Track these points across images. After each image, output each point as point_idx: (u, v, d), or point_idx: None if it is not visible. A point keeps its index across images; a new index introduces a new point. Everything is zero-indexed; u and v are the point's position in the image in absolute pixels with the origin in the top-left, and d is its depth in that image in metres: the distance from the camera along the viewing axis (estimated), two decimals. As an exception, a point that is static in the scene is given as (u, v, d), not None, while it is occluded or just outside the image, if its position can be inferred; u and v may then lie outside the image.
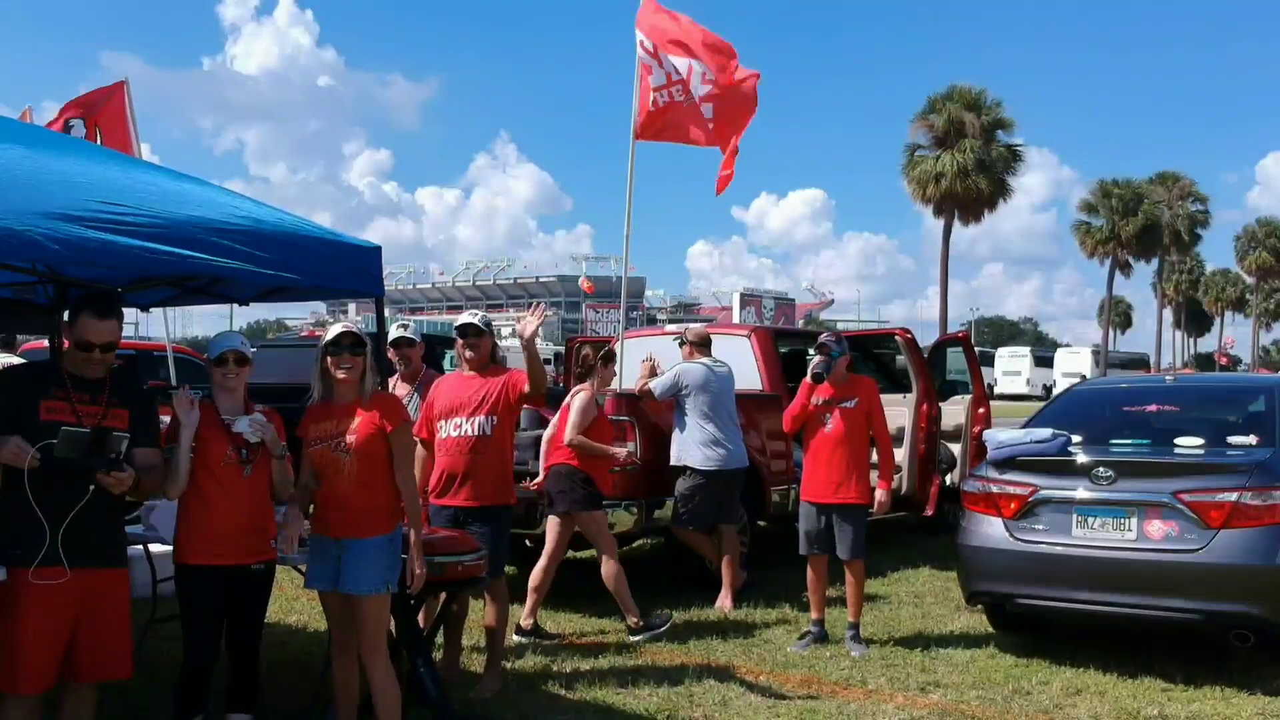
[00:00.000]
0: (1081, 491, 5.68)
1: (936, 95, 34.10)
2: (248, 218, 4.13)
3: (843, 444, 6.22)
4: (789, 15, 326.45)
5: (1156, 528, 5.48)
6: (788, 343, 9.50)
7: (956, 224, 34.83)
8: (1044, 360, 67.30)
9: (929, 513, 8.62)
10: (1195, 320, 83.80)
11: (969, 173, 33.00)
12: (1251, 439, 5.81)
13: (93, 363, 3.81)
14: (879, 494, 6.35)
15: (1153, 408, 6.40)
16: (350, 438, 4.22)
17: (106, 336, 3.80)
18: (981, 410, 9.21)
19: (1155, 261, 53.34)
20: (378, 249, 4.56)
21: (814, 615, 6.44)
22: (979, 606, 6.44)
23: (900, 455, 8.47)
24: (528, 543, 7.89)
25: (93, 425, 3.69)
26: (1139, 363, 72.08)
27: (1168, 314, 69.30)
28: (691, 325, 7.61)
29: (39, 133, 4.54)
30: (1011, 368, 67.18)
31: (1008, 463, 5.99)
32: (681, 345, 7.53)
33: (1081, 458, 5.78)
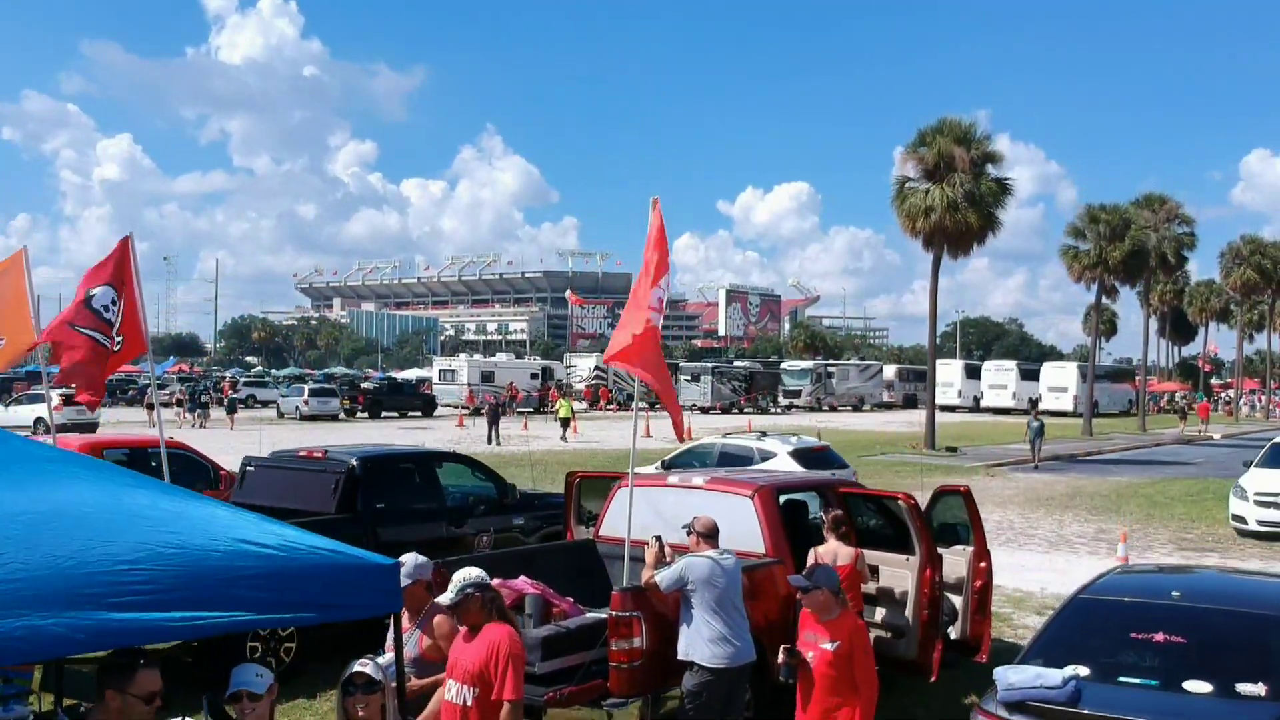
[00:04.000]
0: (1093, 745, 5.69)
1: (926, 128, 34.10)
2: (258, 554, 3.95)
3: (823, 682, 6.20)
4: (777, 10, 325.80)
5: (1168, 789, 5.50)
6: (790, 494, 9.47)
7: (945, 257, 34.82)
8: (1030, 374, 67.73)
9: (933, 679, 8.64)
10: (1180, 329, 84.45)
11: (958, 206, 33.02)
12: (1260, 689, 5.83)
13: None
14: None
15: (1160, 638, 6.41)
16: None
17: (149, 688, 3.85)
18: (983, 564, 9.23)
19: (1141, 284, 53.65)
20: (396, 565, 4.49)
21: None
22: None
23: (905, 615, 8.50)
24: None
25: None
26: (1124, 374, 72.59)
27: (1153, 322, 69.68)
28: (699, 516, 7.56)
29: (17, 460, 4.34)
30: (998, 381, 67.66)
31: (1018, 705, 5.99)
32: (689, 534, 7.50)
33: (1090, 710, 5.78)
